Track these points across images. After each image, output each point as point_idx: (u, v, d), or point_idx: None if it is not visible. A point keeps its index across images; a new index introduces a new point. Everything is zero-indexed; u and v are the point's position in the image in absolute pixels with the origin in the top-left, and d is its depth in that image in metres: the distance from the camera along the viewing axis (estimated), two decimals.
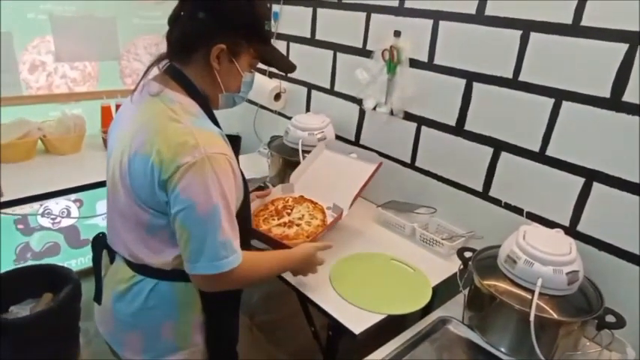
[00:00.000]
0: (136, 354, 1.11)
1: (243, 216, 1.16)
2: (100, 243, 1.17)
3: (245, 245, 1.20)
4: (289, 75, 2.26)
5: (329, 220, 1.50)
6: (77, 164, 2.08)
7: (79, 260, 2.67)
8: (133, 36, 2.48)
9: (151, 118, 0.97)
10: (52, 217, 2.47)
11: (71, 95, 2.35)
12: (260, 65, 1.11)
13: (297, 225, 1.44)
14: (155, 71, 1.05)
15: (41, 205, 2.41)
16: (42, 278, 2.02)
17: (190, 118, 0.97)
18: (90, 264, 2.62)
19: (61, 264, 2.19)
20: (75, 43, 2.29)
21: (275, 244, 1.35)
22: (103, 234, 1.18)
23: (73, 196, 2.50)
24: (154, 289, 1.06)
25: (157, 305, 1.07)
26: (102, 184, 1.93)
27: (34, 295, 2.02)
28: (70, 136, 2.13)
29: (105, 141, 2.22)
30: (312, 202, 1.55)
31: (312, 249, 1.27)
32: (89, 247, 2.58)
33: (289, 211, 1.50)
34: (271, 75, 2.35)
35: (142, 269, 1.06)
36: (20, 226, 2.41)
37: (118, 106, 2.33)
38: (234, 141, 1.17)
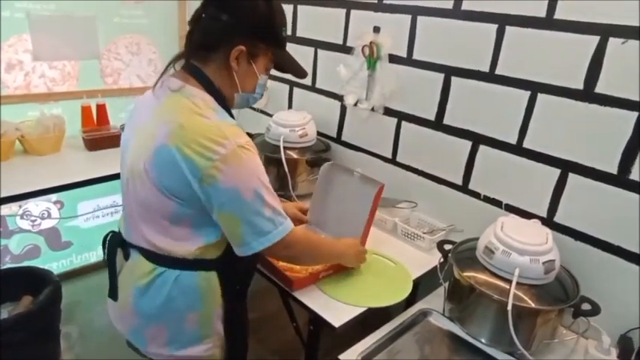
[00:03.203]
0: (161, 347, 1.13)
1: None
2: (114, 240, 1.17)
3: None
4: (271, 72, 2.25)
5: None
6: (57, 165, 2.04)
7: (60, 263, 2.64)
8: (114, 35, 2.46)
9: (174, 112, 1.00)
10: (32, 218, 2.43)
11: (50, 95, 2.32)
12: None
13: None
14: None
15: (20, 207, 2.38)
16: (21, 281, 1.98)
17: (213, 113, 1.01)
18: (72, 266, 2.64)
19: (42, 267, 2.16)
20: (54, 42, 2.26)
21: (278, 274, 1.35)
22: (114, 232, 1.20)
23: (53, 198, 2.47)
24: (177, 280, 1.07)
25: (180, 296, 1.08)
26: (82, 184, 1.93)
27: (13, 298, 1.97)
28: (49, 137, 2.09)
29: (86, 141, 2.20)
30: None
31: (356, 240, 1.38)
32: (71, 250, 2.60)
33: None
34: None
35: (164, 261, 1.07)
36: None
37: (98, 106, 2.30)
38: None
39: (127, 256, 1.15)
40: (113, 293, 1.17)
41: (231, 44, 1.02)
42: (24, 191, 1.75)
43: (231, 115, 1.10)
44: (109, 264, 1.18)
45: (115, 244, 1.17)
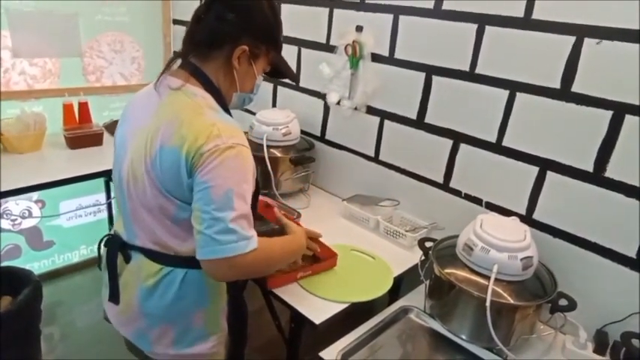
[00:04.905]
0: (167, 347, 1.12)
1: (254, 203, 1.16)
2: (114, 243, 1.16)
3: None
4: None
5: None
6: (38, 163, 2.02)
7: (42, 263, 2.60)
8: (96, 32, 2.43)
9: (176, 111, 1.00)
10: (12, 218, 2.39)
11: (31, 92, 2.29)
12: None
13: None
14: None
15: None
16: (0, 281, 1.96)
17: (212, 112, 1.01)
18: (54, 266, 2.60)
19: (22, 267, 2.12)
20: (34, 39, 2.23)
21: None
22: (112, 235, 1.18)
23: (34, 197, 2.44)
24: (185, 278, 1.07)
25: (188, 294, 1.08)
26: (64, 182, 1.90)
27: None
28: (30, 134, 2.06)
29: (68, 139, 2.17)
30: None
31: (303, 233, 1.29)
32: (53, 249, 2.58)
33: None
34: None
35: (171, 260, 1.07)
36: None
37: (80, 104, 2.28)
38: None
39: (127, 259, 1.13)
40: (115, 297, 1.15)
41: (235, 43, 1.03)
42: (3, 189, 1.72)
43: (229, 115, 1.10)
44: (110, 268, 1.15)
45: (116, 247, 1.14)
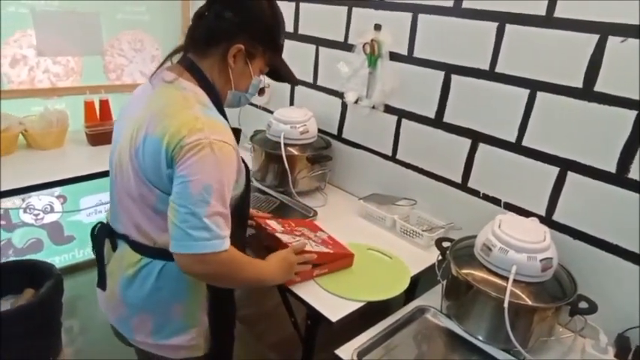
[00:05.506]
0: (147, 336, 1.14)
1: (243, 205, 1.19)
2: (102, 231, 1.19)
3: (240, 236, 1.21)
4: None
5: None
6: (60, 159, 2.06)
7: (62, 257, 2.66)
8: (117, 31, 2.47)
9: (164, 104, 1.02)
10: (35, 212, 2.45)
11: (54, 90, 2.34)
12: None
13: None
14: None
15: (23, 201, 2.40)
16: (23, 274, 2.01)
17: (201, 107, 1.02)
18: (74, 260, 2.65)
19: (44, 260, 2.17)
20: (57, 38, 2.28)
21: (269, 237, 1.36)
22: (102, 223, 1.22)
23: (56, 192, 2.49)
24: (163, 270, 1.09)
25: (166, 286, 1.10)
26: (85, 178, 1.94)
27: (15, 291, 2.00)
28: (52, 131, 2.11)
29: (89, 136, 2.22)
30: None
31: (285, 253, 1.26)
32: (73, 244, 2.62)
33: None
34: None
35: (150, 251, 1.09)
36: (2, 222, 2.38)
37: (101, 102, 2.32)
38: (235, 133, 1.20)
39: (114, 247, 1.17)
40: (102, 283, 1.19)
41: (231, 42, 1.05)
42: (27, 184, 1.76)
43: (223, 112, 1.10)
44: (97, 254, 1.20)
45: (104, 234, 1.18)
